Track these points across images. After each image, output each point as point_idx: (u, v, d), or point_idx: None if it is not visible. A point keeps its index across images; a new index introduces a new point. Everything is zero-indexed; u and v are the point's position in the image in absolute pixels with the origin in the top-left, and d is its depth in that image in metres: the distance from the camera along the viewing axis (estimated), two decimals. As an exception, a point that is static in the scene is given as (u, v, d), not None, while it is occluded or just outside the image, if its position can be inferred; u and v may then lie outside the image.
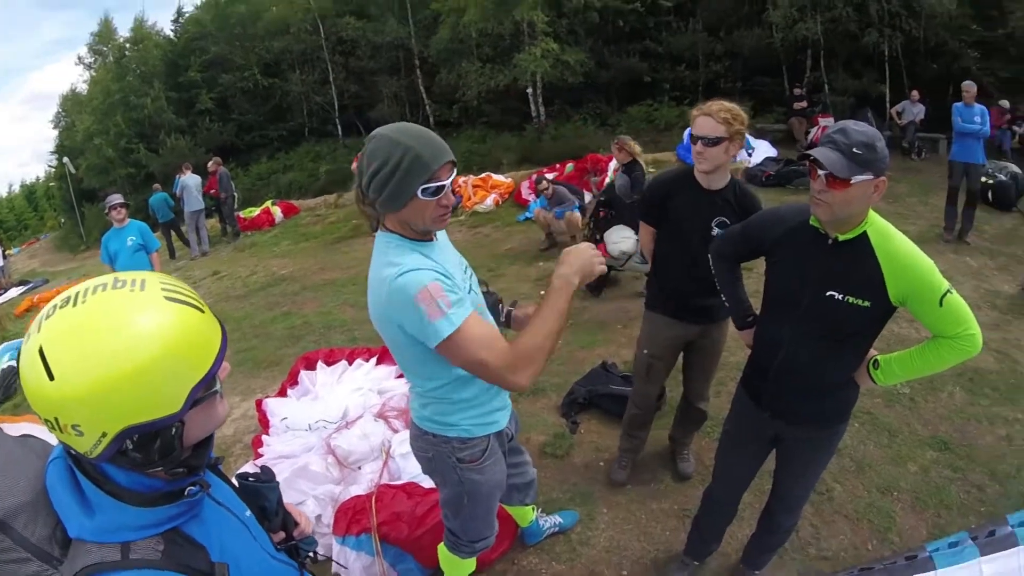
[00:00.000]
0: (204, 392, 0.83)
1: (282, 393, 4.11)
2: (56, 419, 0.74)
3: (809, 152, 1.55)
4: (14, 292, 13.57)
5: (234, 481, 1.13)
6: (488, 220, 9.70)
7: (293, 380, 4.18)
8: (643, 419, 2.99)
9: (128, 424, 0.75)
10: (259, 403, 3.90)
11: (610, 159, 9.69)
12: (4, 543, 0.85)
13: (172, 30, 21.23)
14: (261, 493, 1.16)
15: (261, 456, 3.30)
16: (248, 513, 1.08)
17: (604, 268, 1.57)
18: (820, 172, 1.54)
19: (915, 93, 10.85)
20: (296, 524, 1.25)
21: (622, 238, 5.53)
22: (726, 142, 2.21)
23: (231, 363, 0.91)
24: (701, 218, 2.39)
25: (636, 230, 5.17)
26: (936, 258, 1.66)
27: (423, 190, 1.42)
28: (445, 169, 1.44)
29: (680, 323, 2.61)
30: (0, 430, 1.03)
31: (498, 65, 14.08)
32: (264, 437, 3.52)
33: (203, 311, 0.84)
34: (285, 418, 3.56)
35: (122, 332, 0.74)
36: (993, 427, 3.36)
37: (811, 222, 1.71)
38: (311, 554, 1.29)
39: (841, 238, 1.65)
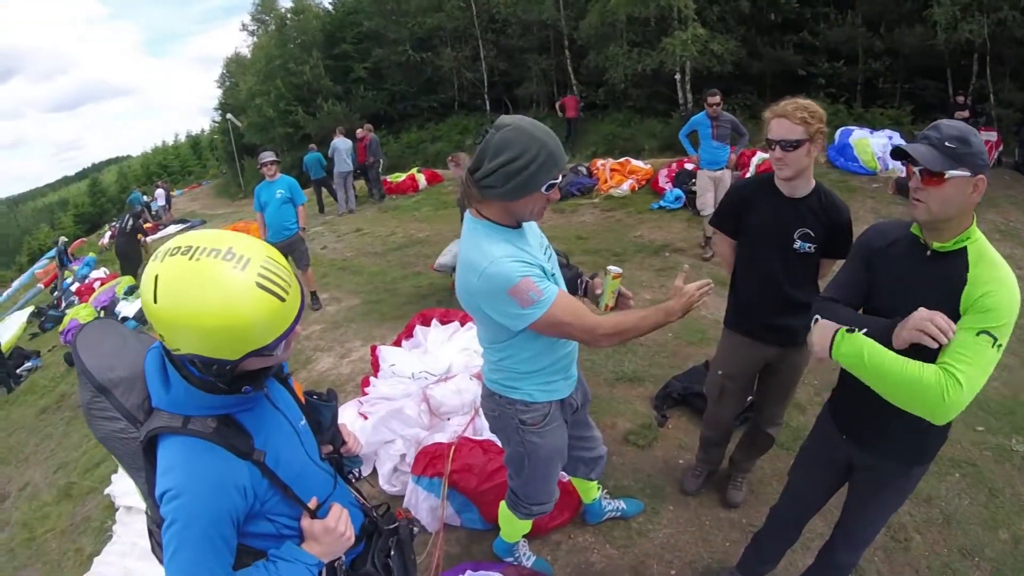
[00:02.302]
0: (261, 352, 1.03)
1: (397, 343, 4.48)
2: (153, 324, 1.00)
3: (900, 146, 1.52)
4: (173, 228, 15.72)
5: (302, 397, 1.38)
6: (621, 205, 9.60)
7: (408, 333, 4.53)
8: (716, 440, 2.87)
9: (193, 352, 0.99)
10: (374, 349, 4.31)
11: (753, 153, 9.28)
12: (103, 403, 1.11)
13: (330, 3, 22.90)
14: (319, 409, 1.41)
15: (367, 395, 3.67)
16: (303, 423, 1.31)
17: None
18: (915, 169, 1.51)
19: None
20: (344, 443, 1.47)
21: (446, 251, 5.74)
22: (807, 144, 2.03)
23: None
24: (782, 229, 2.21)
25: None
26: None
27: (547, 185, 1.55)
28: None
29: (758, 344, 2.44)
30: (123, 325, 1.34)
31: (645, 49, 13.74)
32: (372, 379, 3.90)
33: (284, 299, 1.02)
34: (394, 364, 3.91)
35: (210, 297, 0.95)
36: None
37: (912, 230, 1.64)
38: (353, 471, 1.51)
39: (938, 247, 1.55)
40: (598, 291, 1.93)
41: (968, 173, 1.45)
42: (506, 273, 1.53)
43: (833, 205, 2.18)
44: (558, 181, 1.57)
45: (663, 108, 14.95)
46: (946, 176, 1.45)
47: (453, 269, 5.57)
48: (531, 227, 1.79)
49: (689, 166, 9.58)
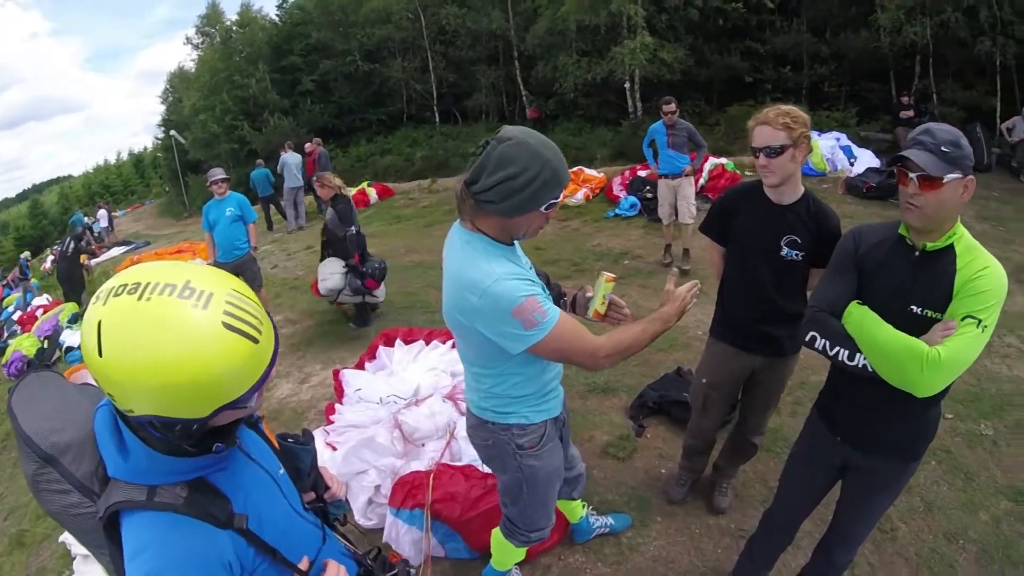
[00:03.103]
0: (234, 405, 0.89)
1: (359, 366, 4.29)
2: (97, 381, 0.84)
3: (901, 154, 1.53)
4: (116, 251, 15.22)
5: (275, 441, 1.23)
6: (577, 214, 9.62)
7: (372, 354, 4.35)
8: (700, 449, 2.84)
9: (151, 414, 0.84)
10: (336, 373, 4.11)
11: (706, 159, 9.44)
12: (51, 475, 0.95)
13: (277, 15, 22.41)
14: (297, 454, 1.25)
15: (332, 423, 3.48)
16: (282, 471, 1.16)
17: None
18: (911, 175, 1.52)
19: None
20: (327, 488, 1.33)
21: (329, 274, 5.48)
22: (791, 149, 2.01)
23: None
24: (769, 236, 2.18)
25: (348, 261, 5.35)
26: None
27: (547, 205, 1.46)
28: None
29: (744, 353, 2.40)
30: (63, 378, 1.16)
31: (595, 58, 13.93)
32: (337, 405, 3.71)
33: (258, 340, 0.87)
34: (359, 389, 3.72)
35: (169, 348, 0.79)
36: (1077, 485, 3.00)
37: (900, 231, 1.66)
38: (339, 517, 1.37)
39: (929, 247, 1.59)
40: (588, 294, 1.84)
41: (960, 175, 1.48)
42: (511, 293, 1.44)
43: (822, 212, 2.15)
44: (559, 200, 1.49)
45: (613, 117, 15.12)
46: (944, 180, 1.47)
47: (340, 292, 5.45)
48: (517, 245, 1.70)
49: (643, 173, 9.71)
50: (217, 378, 0.83)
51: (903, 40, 11.24)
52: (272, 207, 12.80)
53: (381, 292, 5.70)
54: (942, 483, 3.01)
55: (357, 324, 5.72)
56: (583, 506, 2.63)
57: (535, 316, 1.45)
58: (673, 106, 5.96)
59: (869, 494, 1.88)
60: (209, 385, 0.83)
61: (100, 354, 0.80)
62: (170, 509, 0.90)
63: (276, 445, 1.22)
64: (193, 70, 23.33)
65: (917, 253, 1.61)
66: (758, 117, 2.07)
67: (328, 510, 1.32)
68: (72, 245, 9.65)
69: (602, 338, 1.58)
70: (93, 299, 0.84)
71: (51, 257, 17.39)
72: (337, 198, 5.52)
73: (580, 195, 10.20)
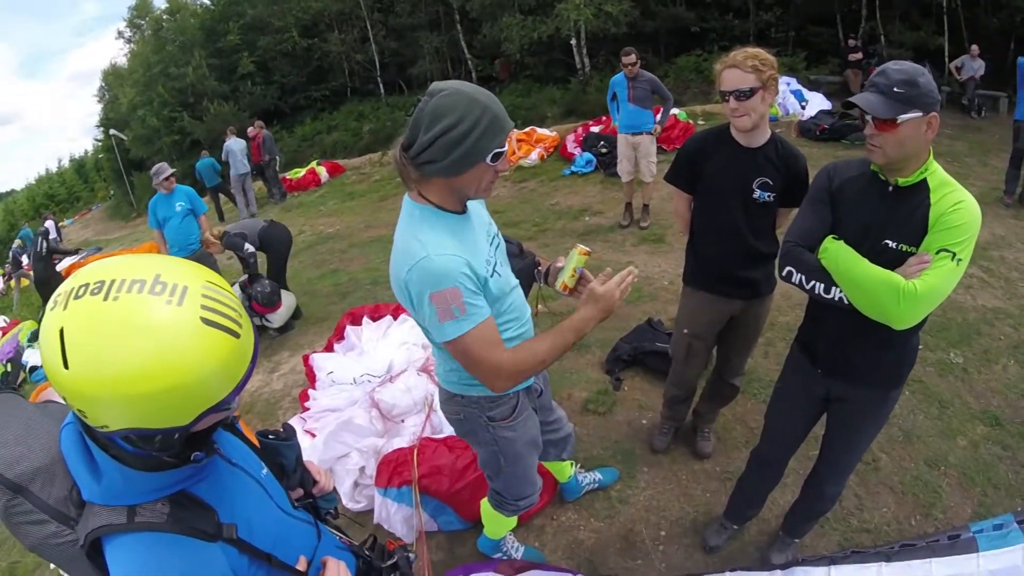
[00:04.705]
0: (218, 408, 0.80)
1: (328, 348, 4.19)
2: (64, 397, 0.74)
3: (850, 100, 1.54)
4: (68, 261, 14.33)
5: (254, 438, 1.15)
6: (533, 175, 9.54)
7: (339, 335, 4.25)
8: (682, 397, 2.86)
9: (128, 427, 0.75)
10: (306, 358, 3.99)
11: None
12: (23, 506, 0.86)
13: (208, -2, 21.40)
14: (279, 451, 1.17)
15: (308, 409, 3.39)
16: (265, 471, 1.09)
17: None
18: (868, 117, 1.53)
19: (975, 48, 10.05)
20: (315, 482, 1.26)
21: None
22: (760, 91, 1.99)
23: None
24: (742, 179, 2.16)
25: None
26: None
27: (494, 155, 1.34)
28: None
29: (722, 299, 2.40)
30: (22, 399, 1.05)
31: (540, 16, 13.67)
32: (311, 391, 3.62)
33: (239, 335, 0.79)
34: (331, 372, 3.64)
35: (145, 352, 0.70)
36: (1047, 404, 3.14)
37: (872, 167, 1.66)
38: (331, 511, 1.31)
39: (901, 182, 1.59)
40: (560, 264, 1.73)
41: (920, 113, 1.48)
42: (436, 273, 1.32)
43: (790, 153, 2.16)
44: (504, 149, 1.36)
45: (561, 75, 14.99)
46: (899, 120, 1.48)
47: (243, 238, 5.06)
48: (478, 212, 1.59)
49: (595, 129, 9.64)
50: (201, 380, 0.75)
51: (850, -18, 11.35)
52: (221, 196, 12.31)
53: (277, 317, 5.14)
54: (918, 412, 3.10)
55: (277, 331, 5.27)
56: (571, 464, 2.62)
57: (453, 308, 1.33)
58: (633, 57, 5.67)
59: (854, 423, 1.91)
60: (192, 389, 0.74)
61: (66, 366, 0.70)
62: (154, 528, 0.82)
63: (256, 443, 1.14)
64: (127, 65, 22.36)
65: (891, 188, 1.61)
66: (726, 61, 2.04)
67: (318, 504, 1.25)
68: (44, 244, 9.04)
69: (506, 355, 1.44)
70: (50, 305, 0.73)
71: (2, 277, 16.40)
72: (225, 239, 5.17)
73: (534, 155, 10.09)
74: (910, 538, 2.25)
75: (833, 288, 1.63)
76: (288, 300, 5.31)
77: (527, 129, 11.13)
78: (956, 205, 1.51)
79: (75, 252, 13.15)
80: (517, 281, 1.70)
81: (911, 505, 2.58)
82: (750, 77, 1.98)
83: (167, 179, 5.31)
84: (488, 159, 1.34)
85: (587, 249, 1.65)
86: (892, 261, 1.58)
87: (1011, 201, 6.11)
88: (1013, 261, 4.80)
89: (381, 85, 18.66)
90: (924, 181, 1.57)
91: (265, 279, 5.19)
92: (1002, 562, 1.85)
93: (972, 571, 1.88)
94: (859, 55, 11.20)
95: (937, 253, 1.51)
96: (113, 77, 23.80)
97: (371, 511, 2.71)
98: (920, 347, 3.50)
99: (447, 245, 1.36)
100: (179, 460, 0.85)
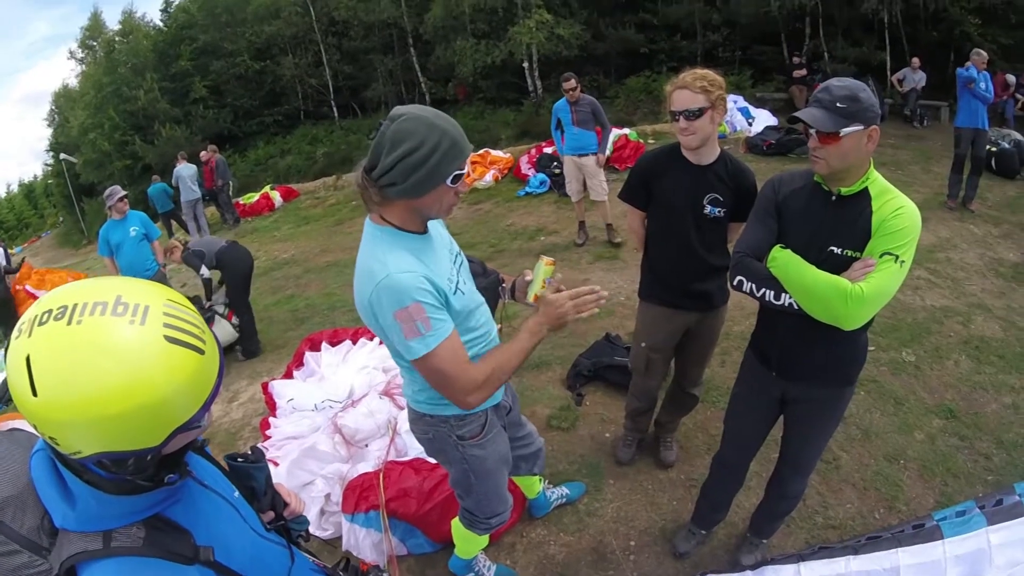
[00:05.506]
0: (188, 427, 0.81)
1: (288, 375, 4.10)
2: (35, 425, 0.74)
3: (795, 115, 1.62)
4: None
5: (223, 463, 1.14)
6: (488, 196, 9.61)
7: (299, 362, 4.17)
8: (644, 409, 2.91)
9: (100, 451, 0.75)
10: (265, 386, 3.90)
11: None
12: None
13: (161, 20, 21.10)
14: (249, 474, 1.17)
15: (269, 438, 3.31)
16: (236, 494, 1.08)
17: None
18: (811, 130, 1.60)
19: (916, 60, 10.71)
20: (286, 504, 1.25)
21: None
22: (709, 111, 2.08)
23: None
24: (693, 196, 2.25)
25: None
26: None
27: (454, 177, 1.38)
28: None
29: (679, 312, 2.47)
30: None
31: (493, 40, 13.92)
32: (271, 419, 3.53)
33: (203, 351, 0.80)
34: (291, 399, 3.56)
35: (112, 374, 0.71)
36: (999, 395, 3.33)
37: (815, 178, 1.75)
38: (302, 533, 1.30)
39: (844, 192, 1.68)
40: (528, 278, 1.77)
41: (861, 127, 1.56)
42: (398, 291, 1.35)
43: (739, 170, 2.25)
44: (464, 171, 1.41)
45: (514, 97, 15.28)
46: (841, 134, 1.56)
47: (200, 258, 5.05)
48: (439, 233, 1.62)
49: (548, 150, 9.83)
50: (168, 399, 0.75)
51: (792, 3, 11.91)
52: (173, 222, 11.97)
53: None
54: (874, 410, 3.23)
55: (244, 355, 5.29)
56: (540, 481, 2.63)
57: (417, 325, 1.35)
58: (573, 83, 5.83)
59: (810, 421, 1.98)
60: (161, 408, 0.75)
61: (34, 394, 0.70)
62: (131, 553, 0.81)
63: (224, 467, 1.13)
64: (78, 88, 21.85)
65: (834, 197, 1.70)
66: (675, 82, 2.12)
67: (290, 527, 1.24)
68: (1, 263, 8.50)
69: (474, 369, 1.47)
70: (15, 333, 0.73)
71: None
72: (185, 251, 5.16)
73: (489, 177, 10.20)
74: (875, 531, 2.32)
75: (783, 295, 1.71)
76: (221, 329, 5.16)
77: (481, 151, 11.27)
78: (897, 211, 1.60)
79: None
80: (483, 299, 1.73)
81: (874, 499, 2.66)
82: (699, 97, 2.06)
83: (121, 200, 5.18)
84: (448, 181, 1.38)
85: (552, 260, 1.70)
86: (838, 266, 1.66)
87: (954, 205, 6.47)
88: (959, 261, 5.07)
89: (335, 108, 18.64)
90: (866, 190, 1.66)
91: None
92: (967, 547, 1.92)
93: (938, 558, 1.94)
94: (804, 72, 11.75)
95: (881, 256, 1.59)
96: (64, 99, 23.29)
97: (339, 538, 2.65)
98: (872, 348, 3.71)
99: (407, 263, 1.39)
100: (153, 483, 0.84)
